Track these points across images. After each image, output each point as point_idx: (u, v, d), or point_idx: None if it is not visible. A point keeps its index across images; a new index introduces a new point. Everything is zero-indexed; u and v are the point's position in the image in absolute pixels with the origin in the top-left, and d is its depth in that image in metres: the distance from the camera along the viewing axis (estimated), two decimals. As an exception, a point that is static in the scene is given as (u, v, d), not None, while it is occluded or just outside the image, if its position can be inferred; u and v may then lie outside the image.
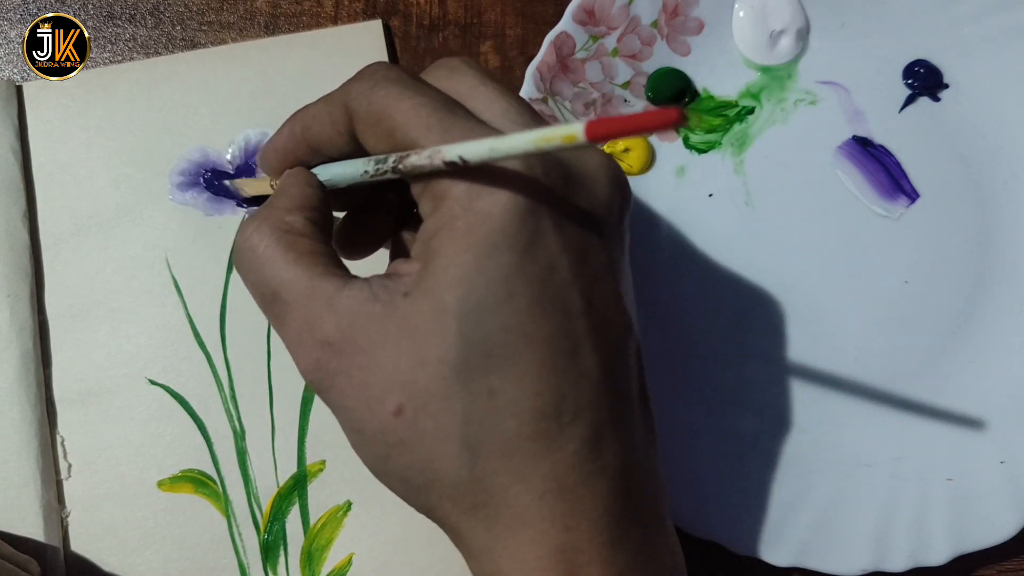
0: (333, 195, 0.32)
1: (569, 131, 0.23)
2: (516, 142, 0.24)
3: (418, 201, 0.29)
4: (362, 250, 0.35)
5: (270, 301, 0.29)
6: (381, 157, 0.29)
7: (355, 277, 0.29)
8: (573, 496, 0.27)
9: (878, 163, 0.44)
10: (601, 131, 0.22)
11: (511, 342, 0.26)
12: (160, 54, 0.47)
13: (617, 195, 0.29)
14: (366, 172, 0.29)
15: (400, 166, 0.28)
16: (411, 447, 0.27)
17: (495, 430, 0.27)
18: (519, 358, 0.26)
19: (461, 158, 0.26)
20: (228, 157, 0.45)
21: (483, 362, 0.26)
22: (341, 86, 0.31)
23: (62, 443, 0.43)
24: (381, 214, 0.34)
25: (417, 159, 0.27)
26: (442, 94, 0.29)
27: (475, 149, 0.25)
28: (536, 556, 0.27)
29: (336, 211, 0.33)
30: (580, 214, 0.28)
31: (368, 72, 0.30)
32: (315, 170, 0.32)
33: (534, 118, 0.29)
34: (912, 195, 0.44)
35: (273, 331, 0.43)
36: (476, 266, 0.26)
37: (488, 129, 0.28)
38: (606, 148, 0.44)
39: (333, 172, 0.31)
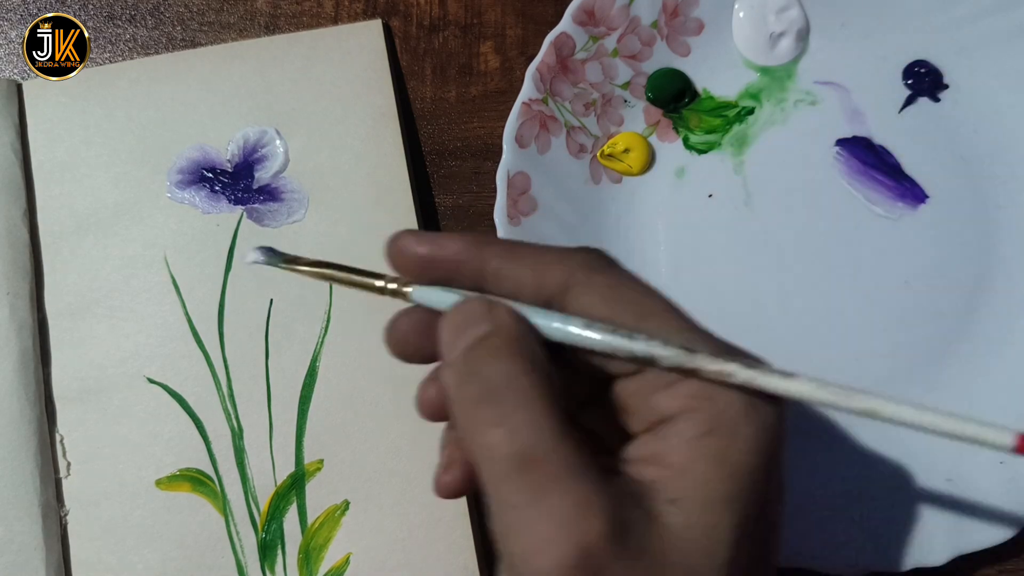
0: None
1: (995, 436, 0.24)
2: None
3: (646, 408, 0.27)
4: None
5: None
6: (643, 340, 0.26)
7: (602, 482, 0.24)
8: None
9: (878, 163, 0.44)
10: None
11: None
12: (160, 55, 0.47)
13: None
14: (612, 346, 0.27)
15: (667, 361, 0.26)
16: None
17: None
18: None
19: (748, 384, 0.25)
20: (227, 156, 0.45)
21: None
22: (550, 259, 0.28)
23: (61, 441, 0.43)
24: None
25: (695, 362, 0.26)
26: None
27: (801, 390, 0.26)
28: None
29: None
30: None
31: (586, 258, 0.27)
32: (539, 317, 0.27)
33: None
34: (912, 195, 0.44)
35: (271, 329, 0.44)
36: (732, 530, 0.24)
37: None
38: (606, 148, 0.44)
39: (570, 334, 0.27)
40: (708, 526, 0.24)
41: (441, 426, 0.31)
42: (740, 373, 0.25)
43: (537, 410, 0.24)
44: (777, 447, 0.26)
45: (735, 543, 0.24)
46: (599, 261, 0.28)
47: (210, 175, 0.45)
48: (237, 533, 0.42)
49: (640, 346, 0.26)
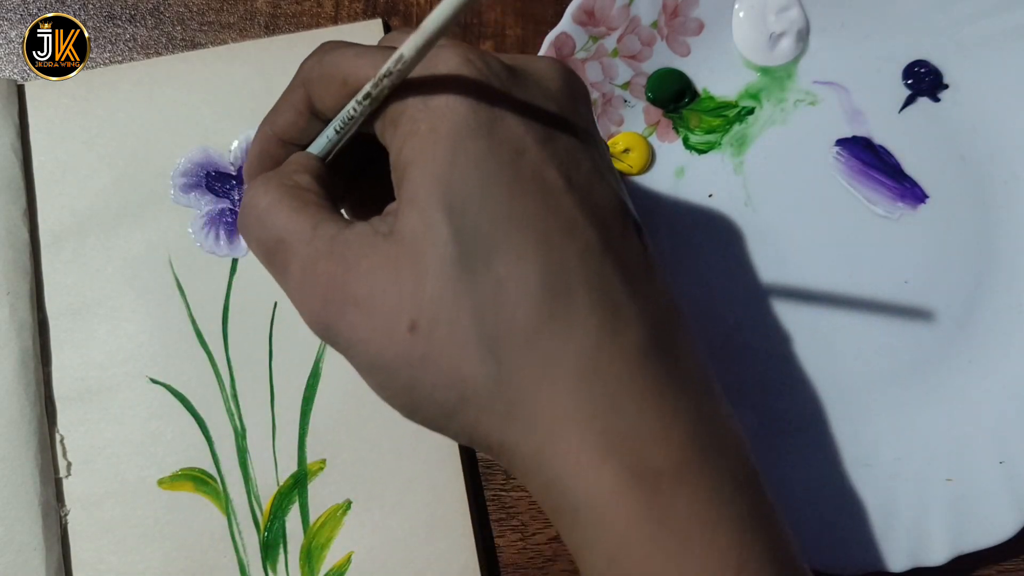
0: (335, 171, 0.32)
1: None
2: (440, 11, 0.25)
3: (385, 142, 0.28)
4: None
5: (273, 251, 0.29)
6: (345, 108, 0.29)
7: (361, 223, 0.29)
8: (608, 375, 0.26)
9: (878, 163, 0.44)
10: None
11: (502, 226, 0.26)
12: (160, 54, 0.47)
13: (568, 88, 0.29)
14: (338, 128, 0.30)
15: (357, 104, 0.28)
16: (433, 361, 0.26)
17: (510, 320, 0.26)
18: (515, 240, 0.26)
19: (400, 56, 0.26)
20: (230, 157, 0.45)
21: (482, 252, 0.26)
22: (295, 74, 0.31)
23: (62, 441, 0.43)
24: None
25: (369, 86, 0.27)
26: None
27: (409, 42, 0.26)
28: (588, 452, 0.26)
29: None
30: (533, 104, 0.28)
31: (316, 49, 0.31)
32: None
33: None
34: (912, 195, 0.44)
35: (275, 330, 0.44)
36: (448, 159, 0.26)
37: None
38: (606, 148, 0.44)
39: (319, 144, 0.31)
40: (422, 218, 0.26)
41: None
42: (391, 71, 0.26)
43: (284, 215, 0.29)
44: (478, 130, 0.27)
45: (456, 227, 0.26)
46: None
47: (214, 178, 0.45)
48: (239, 532, 0.42)
49: (332, 128, 0.30)
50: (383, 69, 0.26)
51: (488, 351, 0.26)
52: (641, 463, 0.25)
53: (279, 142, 0.32)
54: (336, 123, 0.30)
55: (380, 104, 0.28)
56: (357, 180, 0.34)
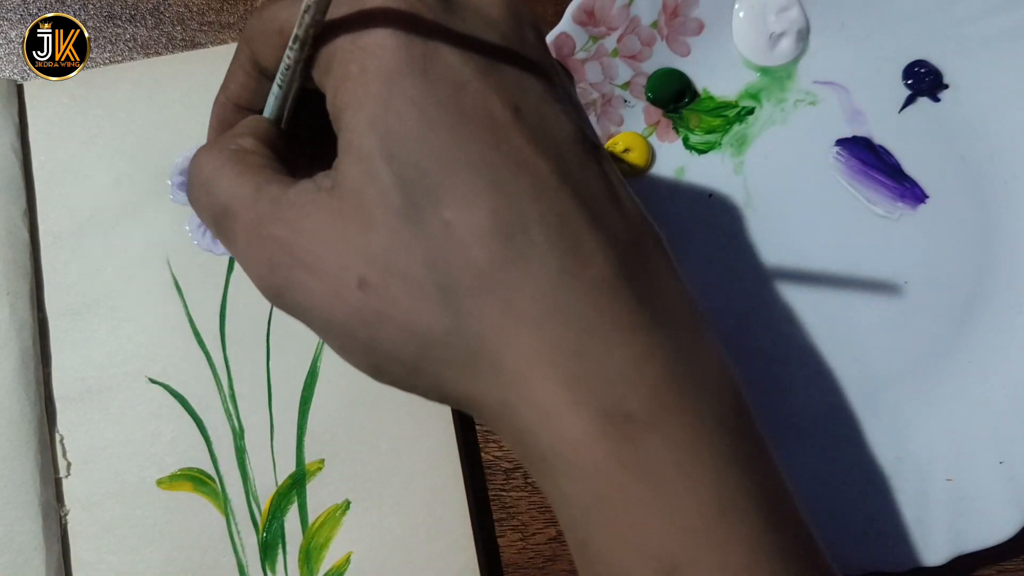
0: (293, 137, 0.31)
1: None
2: None
3: (323, 88, 0.27)
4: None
5: (220, 218, 0.28)
6: (282, 60, 0.28)
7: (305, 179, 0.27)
8: (571, 314, 0.24)
9: (878, 163, 0.44)
10: None
11: (447, 167, 0.24)
12: (160, 54, 0.47)
13: (512, 15, 0.27)
14: (280, 83, 0.28)
15: (290, 51, 0.27)
16: (389, 317, 0.25)
17: (464, 265, 0.24)
18: (461, 181, 0.24)
19: None
20: (228, 156, 0.45)
21: (427, 197, 0.24)
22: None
23: (61, 441, 0.43)
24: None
25: (296, 28, 0.26)
26: None
27: None
28: (554, 399, 0.24)
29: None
30: (472, 34, 0.26)
31: (257, 6, 0.29)
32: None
33: None
34: (912, 195, 0.44)
35: (273, 330, 0.44)
36: (382, 101, 0.25)
37: None
38: (606, 148, 0.44)
39: (269, 105, 0.30)
40: (361, 168, 0.25)
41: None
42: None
43: (231, 180, 0.28)
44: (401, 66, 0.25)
45: (396, 174, 0.25)
46: None
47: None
48: (238, 533, 0.42)
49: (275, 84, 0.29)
50: (303, 6, 0.25)
51: (444, 300, 0.24)
52: (611, 406, 0.24)
53: (235, 108, 0.31)
54: (277, 78, 0.28)
55: (312, 49, 0.26)
56: (323, 145, 0.32)
